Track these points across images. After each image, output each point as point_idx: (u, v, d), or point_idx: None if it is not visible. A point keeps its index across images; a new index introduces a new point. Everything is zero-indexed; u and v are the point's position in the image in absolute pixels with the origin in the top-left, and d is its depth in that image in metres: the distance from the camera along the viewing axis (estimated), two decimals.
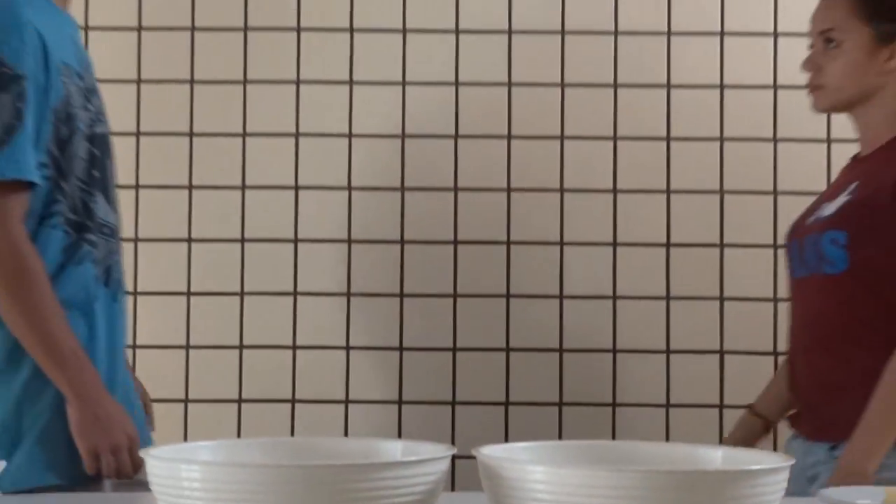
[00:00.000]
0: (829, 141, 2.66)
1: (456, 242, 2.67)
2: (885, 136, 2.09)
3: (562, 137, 2.68)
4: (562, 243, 2.70)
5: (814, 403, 2.11)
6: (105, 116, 2.04)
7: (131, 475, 1.82)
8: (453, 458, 1.36)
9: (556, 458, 1.50)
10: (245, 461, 1.46)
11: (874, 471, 1.89)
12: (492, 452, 1.36)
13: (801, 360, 2.15)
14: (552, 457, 1.50)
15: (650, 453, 1.54)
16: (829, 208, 2.12)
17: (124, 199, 2.22)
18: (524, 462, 1.33)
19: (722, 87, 2.65)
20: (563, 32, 2.70)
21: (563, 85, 2.68)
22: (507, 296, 2.68)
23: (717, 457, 1.46)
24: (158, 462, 1.29)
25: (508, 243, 2.67)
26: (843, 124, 2.26)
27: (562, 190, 2.67)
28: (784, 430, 2.24)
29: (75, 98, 1.94)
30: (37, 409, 1.85)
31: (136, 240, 2.62)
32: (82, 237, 1.93)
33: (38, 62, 1.85)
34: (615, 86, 2.69)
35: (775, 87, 2.65)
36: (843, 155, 2.31)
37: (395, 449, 1.48)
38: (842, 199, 2.11)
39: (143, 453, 1.32)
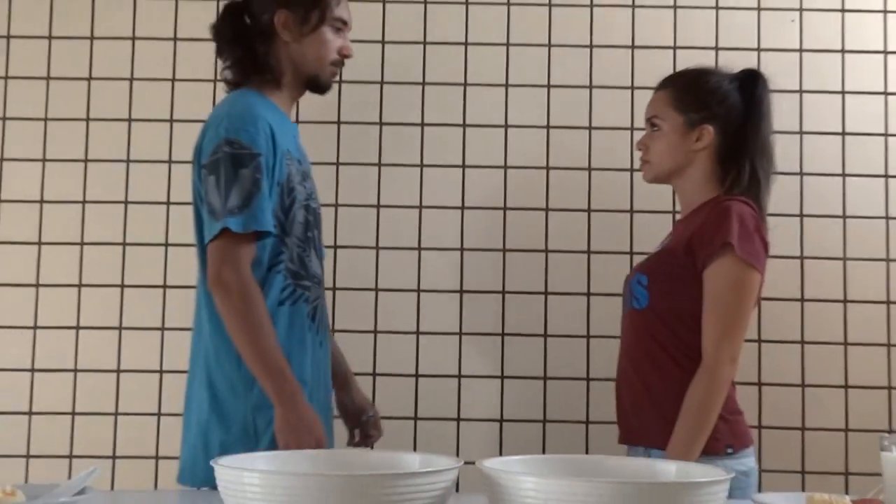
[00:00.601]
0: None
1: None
2: (695, 202, 2.22)
3: (631, 170, 2.75)
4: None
5: (628, 416, 2.20)
6: (316, 195, 2.20)
7: None
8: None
9: (543, 469, 1.54)
10: (294, 470, 1.50)
11: None
12: (491, 464, 1.41)
13: (621, 381, 2.24)
14: (540, 468, 1.54)
15: (618, 466, 1.59)
16: (648, 258, 2.29)
17: None
18: (517, 473, 1.36)
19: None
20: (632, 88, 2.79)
21: (632, 129, 2.76)
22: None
23: (672, 470, 1.51)
24: (224, 469, 1.34)
25: (589, 253, 2.73)
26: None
27: (632, 211, 2.75)
28: None
29: (295, 177, 2.09)
30: (269, 415, 1.96)
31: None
32: (299, 283, 2.08)
33: (269, 146, 2.01)
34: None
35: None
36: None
37: (413, 460, 1.54)
38: (657, 250, 2.28)
39: (212, 462, 1.37)
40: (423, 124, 2.79)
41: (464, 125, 2.79)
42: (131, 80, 2.78)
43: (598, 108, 2.79)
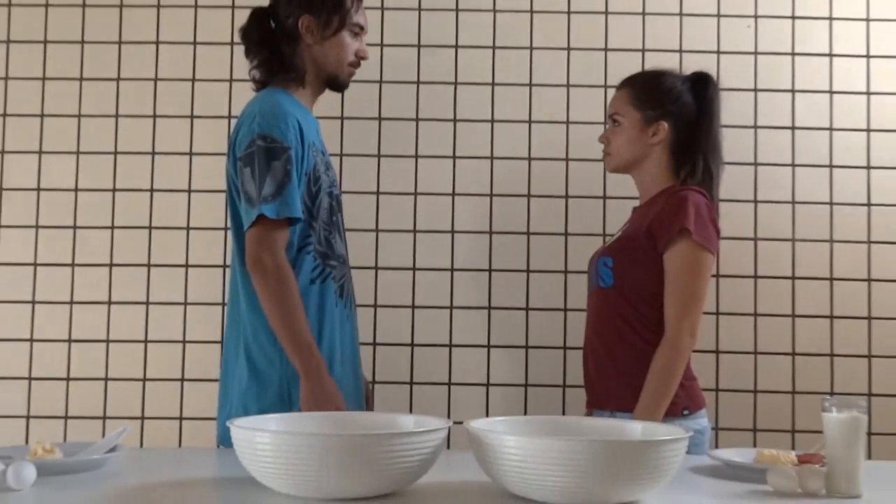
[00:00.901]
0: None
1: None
2: (652, 191, 2.27)
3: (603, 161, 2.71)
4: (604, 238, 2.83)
5: (595, 382, 2.25)
6: (337, 182, 2.25)
7: None
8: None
9: (524, 429, 1.57)
10: (299, 430, 1.53)
11: None
12: (477, 424, 1.46)
13: (587, 351, 2.29)
14: (520, 428, 1.57)
15: (591, 426, 1.64)
16: (610, 241, 2.33)
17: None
18: (500, 433, 1.39)
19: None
20: (605, 87, 2.77)
21: (605, 124, 2.62)
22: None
23: (638, 429, 1.56)
24: (238, 430, 1.38)
25: (566, 235, 2.77)
26: None
27: (604, 197, 2.79)
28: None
29: (320, 167, 2.12)
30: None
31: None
32: (326, 263, 2.11)
33: (297, 140, 2.04)
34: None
35: None
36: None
37: (408, 421, 1.58)
38: (617, 235, 2.32)
39: (228, 423, 1.42)
40: (417, 119, 2.82)
41: (454, 120, 2.81)
42: (154, 80, 2.82)
43: (575, 105, 2.81)
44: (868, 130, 2.82)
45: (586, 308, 2.34)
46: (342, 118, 2.81)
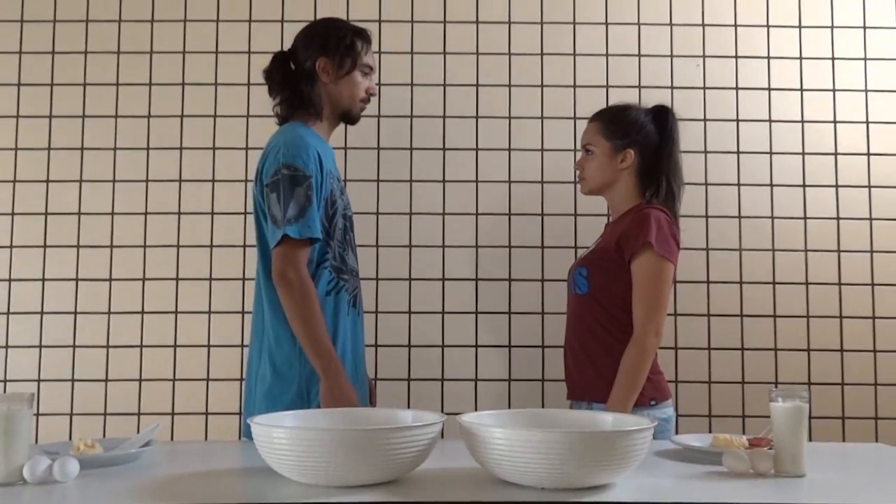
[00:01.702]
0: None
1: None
2: (622, 209, 2.25)
3: (574, 182, 2.77)
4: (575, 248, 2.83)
5: (574, 377, 2.24)
6: (350, 205, 2.22)
7: None
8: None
9: (509, 422, 1.57)
10: (311, 426, 1.54)
11: None
12: (468, 418, 1.46)
13: (567, 349, 2.27)
14: (506, 421, 1.57)
15: (567, 418, 1.63)
16: (585, 254, 2.32)
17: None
18: (488, 426, 1.40)
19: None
20: (574, 119, 2.83)
21: (574, 150, 2.76)
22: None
23: (609, 420, 1.56)
24: (258, 427, 1.38)
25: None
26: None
27: (575, 215, 2.76)
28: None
29: (336, 192, 2.10)
30: (318, 385, 1.99)
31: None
32: (340, 276, 2.09)
33: (317, 168, 2.03)
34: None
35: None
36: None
37: (407, 416, 1.59)
38: (591, 248, 2.32)
39: (248, 420, 1.42)
40: (411, 148, 2.79)
41: (443, 149, 2.79)
42: (182, 84, 2.81)
43: (549, 135, 2.79)
44: (803, 154, 2.82)
45: (566, 312, 2.32)
46: (345, 148, 2.79)
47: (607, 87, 2.81)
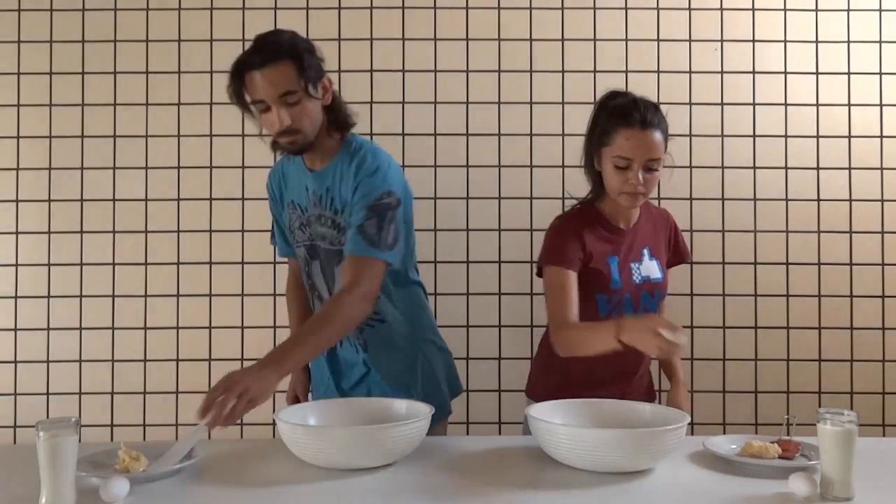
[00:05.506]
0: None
1: (500, 230, 2.65)
2: (634, 215, 1.95)
3: (562, 167, 2.66)
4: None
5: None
6: (326, 236, 1.95)
7: None
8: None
9: (568, 412, 1.64)
10: (324, 423, 1.66)
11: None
12: (535, 412, 1.56)
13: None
14: (567, 410, 1.65)
15: (608, 411, 1.65)
16: (650, 271, 1.95)
17: None
18: (553, 422, 1.52)
19: None
20: (562, 104, 2.72)
21: (563, 135, 2.66)
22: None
23: (647, 410, 1.63)
24: (282, 423, 1.51)
25: (531, 231, 2.62)
26: None
27: (563, 198, 2.54)
28: None
29: (293, 222, 1.98)
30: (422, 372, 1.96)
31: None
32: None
33: (406, 198, 1.90)
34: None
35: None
36: None
37: (402, 406, 1.68)
38: (652, 263, 1.96)
39: (274, 416, 1.51)
40: (403, 134, 2.68)
41: (434, 134, 2.65)
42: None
43: (538, 120, 2.66)
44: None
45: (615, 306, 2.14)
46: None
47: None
